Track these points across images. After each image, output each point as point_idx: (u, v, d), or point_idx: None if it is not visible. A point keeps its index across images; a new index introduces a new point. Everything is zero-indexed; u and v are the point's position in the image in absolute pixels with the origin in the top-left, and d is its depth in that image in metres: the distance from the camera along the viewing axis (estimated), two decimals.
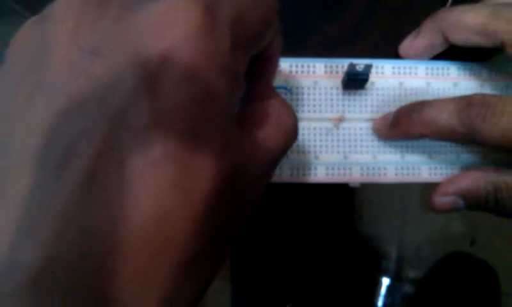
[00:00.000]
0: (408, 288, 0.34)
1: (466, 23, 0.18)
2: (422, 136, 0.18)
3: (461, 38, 0.19)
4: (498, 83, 0.21)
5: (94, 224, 0.09)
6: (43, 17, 0.11)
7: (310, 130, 0.20)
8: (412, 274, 0.34)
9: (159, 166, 0.09)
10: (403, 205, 0.32)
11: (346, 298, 0.32)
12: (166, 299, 0.09)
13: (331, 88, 0.20)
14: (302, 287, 0.31)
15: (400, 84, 0.20)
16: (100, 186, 0.09)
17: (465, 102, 0.17)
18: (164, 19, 0.09)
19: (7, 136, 0.10)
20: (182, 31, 0.09)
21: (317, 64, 0.20)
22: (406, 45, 0.21)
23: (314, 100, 0.20)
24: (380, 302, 0.33)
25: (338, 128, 0.20)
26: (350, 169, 0.20)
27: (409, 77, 0.20)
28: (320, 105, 0.20)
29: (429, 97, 0.20)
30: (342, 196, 0.31)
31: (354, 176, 0.20)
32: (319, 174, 0.20)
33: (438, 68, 0.21)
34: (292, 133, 0.13)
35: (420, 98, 0.20)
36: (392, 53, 0.22)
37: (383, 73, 0.20)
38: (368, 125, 0.20)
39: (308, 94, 0.20)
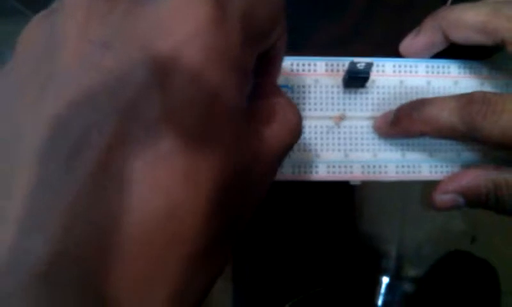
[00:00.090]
0: (407, 287, 0.34)
1: (466, 22, 0.19)
2: (422, 134, 0.18)
3: (461, 36, 0.19)
4: (499, 81, 0.21)
5: (103, 218, 0.09)
6: (52, 11, 0.11)
7: (311, 128, 0.20)
8: (412, 272, 0.34)
9: (170, 160, 0.09)
10: (403, 203, 0.33)
11: (346, 296, 0.32)
12: (176, 292, 0.09)
13: (332, 86, 0.20)
14: (302, 285, 0.31)
15: (401, 82, 0.20)
16: (111, 178, 0.09)
17: (466, 100, 0.17)
18: (174, 14, 0.10)
19: (16, 128, 0.10)
20: (193, 25, 0.09)
21: (318, 63, 0.20)
22: (406, 44, 0.21)
23: (315, 98, 0.20)
24: (380, 301, 0.33)
25: (339, 127, 0.20)
26: (351, 167, 0.20)
27: (410, 75, 0.21)
28: (321, 104, 0.20)
29: (430, 95, 0.20)
30: (342, 194, 0.31)
31: (355, 174, 0.20)
32: (320, 172, 0.20)
33: (438, 66, 0.21)
34: (296, 131, 0.13)
35: (421, 96, 0.20)
36: (393, 52, 0.22)
37: (383, 71, 0.20)
38: (369, 123, 0.20)
39: (309, 92, 0.20)
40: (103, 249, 0.09)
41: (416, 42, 0.21)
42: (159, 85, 0.09)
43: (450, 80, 0.21)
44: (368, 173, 0.20)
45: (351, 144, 0.20)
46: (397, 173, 0.20)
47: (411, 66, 0.21)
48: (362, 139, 0.20)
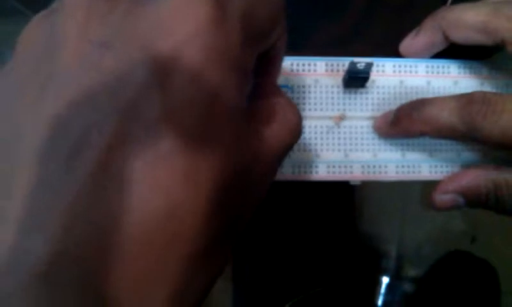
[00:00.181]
0: (407, 287, 0.34)
1: (466, 22, 0.19)
2: (422, 134, 0.18)
3: (461, 36, 0.19)
4: (499, 81, 0.21)
5: (103, 218, 0.09)
6: (52, 11, 0.11)
7: (311, 128, 0.20)
8: (412, 272, 0.34)
9: (170, 160, 0.09)
10: (403, 203, 0.33)
11: (346, 296, 0.32)
12: (176, 292, 0.09)
13: (332, 86, 0.20)
14: (302, 285, 0.31)
15: (401, 82, 0.20)
16: (111, 178, 0.09)
17: (466, 100, 0.17)
18: (174, 14, 0.10)
19: (16, 128, 0.10)
20: (193, 25, 0.09)
21: (318, 63, 0.20)
22: (406, 44, 0.21)
23: (315, 98, 0.20)
24: (380, 301, 0.33)
25: (339, 127, 0.20)
26: (351, 167, 0.20)
27: (410, 75, 0.21)
28: (321, 104, 0.20)
29: (430, 95, 0.20)
30: (342, 194, 0.31)
31: (355, 174, 0.20)
32: (320, 172, 0.20)
33: (438, 66, 0.21)
34: (296, 131, 0.13)
35: (421, 96, 0.20)
36: (393, 52, 0.22)
37: (383, 71, 0.20)
38: (369, 123, 0.20)
39: (309, 92, 0.20)
40: (103, 249, 0.08)
41: (416, 42, 0.21)
42: (159, 85, 0.09)
43: (450, 80, 0.21)
44: (368, 172, 0.20)
45: (351, 144, 0.20)
46: (397, 173, 0.20)
47: (411, 66, 0.21)
48: (362, 139, 0.20)
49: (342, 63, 0.20)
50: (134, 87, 0.09)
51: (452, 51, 0.20)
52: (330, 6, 0.23)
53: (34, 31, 0.11)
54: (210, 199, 0.10)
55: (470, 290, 0.34)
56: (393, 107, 0.20)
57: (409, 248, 0.33)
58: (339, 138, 0.20)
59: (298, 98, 0.20)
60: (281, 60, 0.14)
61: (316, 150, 0.20)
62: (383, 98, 0.20)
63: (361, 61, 0.18)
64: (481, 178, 0.18)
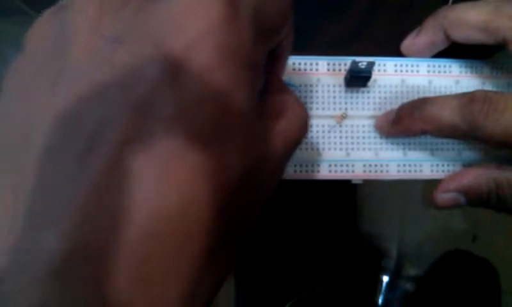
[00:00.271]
0: (408, 286, 0.34)
1: (467, 21, 0.19)
2: (423, 133, 0.18)
3: (462, 35, 0.19)
4: (500, 80, 0.21)
5: (113, 216, 0.08)
6: (61, 8, 0.11)
7: (313, 127, 0.20)
8: (412, 271, 0.34)
9: (181, 157, 0.09)
10: (404, 202, 0.33)
11: (346, 295, 0.32)
12: (188, 292, 0.09)
13: (334, 86, 0.20)
14: (303, 284, 0.31)
15: (402, 81, 0.21)
16: (123, 175, 0.09)
17: (467, 99, 0.17)
18: (186, 11, 0.09)
19: (27, 124, 0.09)
20: (205, 23, 0.09)
21: (320, 62, 0.20)
22: (407, 43, 0.21)
23: (317, 97, 0.20)
24: (380, 300, 0.33)
25: (340, 125, 0.20)
26: (353, 165, 0.20)
27: (411, 75, 0.21)
28: (323, 103, 0.20)
29: (431, 94, 0.20)
30: (343, 193, 0.32)
31: (357, 173, 0.20)
32: (322, 171, 0.20)
33: (439, 66, 0.21)
34: (304, 128, 0.13)
35: (422, 95, 0.20)
36: (394, 51, 0.22)
37: (385, 70, 0.20)
38: (371, 122, 0.20)
39: (311, 91, 0.20)
40: (114, 247, 0.08)
41: (417, 41, 0.21)
42: (171, 82, 0.09)
43: (451, 79, 0.21)
44: (370, 171, 0.20)
45: (352, 143, 0.20)
46: (398, 171, 0.20)
47: (412, 66, 0.21)
48: (364, 138, 0.20)
49: (344, 62, 0.20)
50: (146, 83, 0.09)
51: (453, 50, 0.21)
52: (332, 6, 0.23)
53: (44, 27, 0.11)
54: (220, 198, 0.09)
55: (470, 289, 0.34)
56: (395, 106, 0.20)
57: (409, 247, 0.33)
58: (341, 137, 0.20)
59: (300, 97, 0.20)
60: (287, 57, 0.14)
61: (318, 149, 0.20)
62: (385, 97, 0.20)
63: (363, 61, 0.18)
64: (483, 176, 0.18)
